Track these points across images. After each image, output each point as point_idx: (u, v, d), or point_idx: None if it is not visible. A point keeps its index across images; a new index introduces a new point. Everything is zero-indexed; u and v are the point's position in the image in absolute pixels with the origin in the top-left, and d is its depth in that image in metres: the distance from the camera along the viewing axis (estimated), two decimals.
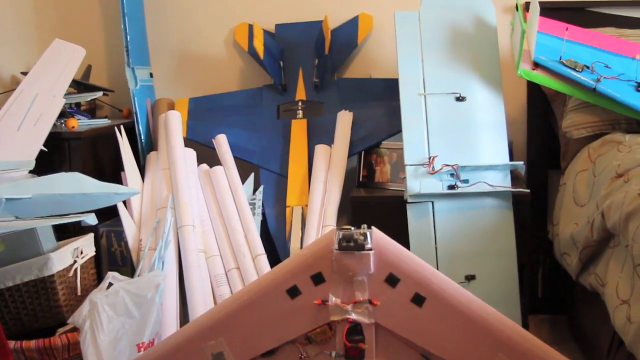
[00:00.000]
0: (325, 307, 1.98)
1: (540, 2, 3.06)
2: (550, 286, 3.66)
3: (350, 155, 3.47)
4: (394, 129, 3.39)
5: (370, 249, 1.93)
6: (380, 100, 3.59)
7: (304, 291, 1.98)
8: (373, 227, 1.97)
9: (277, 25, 3.88)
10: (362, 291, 1.96)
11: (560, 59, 3.04)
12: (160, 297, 2.80)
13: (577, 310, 3.26)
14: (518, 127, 3.69)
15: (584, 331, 3.10)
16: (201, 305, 2.98)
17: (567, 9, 3.55)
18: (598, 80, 2.97)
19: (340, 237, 1.94)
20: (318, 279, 1.97)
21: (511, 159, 3.21)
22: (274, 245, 3.32)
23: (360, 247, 1.93)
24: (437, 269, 2.74)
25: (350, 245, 1.93)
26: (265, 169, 3.54)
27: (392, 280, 1.95)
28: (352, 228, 1.96)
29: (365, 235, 1.94)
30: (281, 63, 3.80)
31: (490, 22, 3.27)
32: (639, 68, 3.10)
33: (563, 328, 3.48)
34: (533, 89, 3.57)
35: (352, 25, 3.80)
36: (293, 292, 1.99)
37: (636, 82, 3.02)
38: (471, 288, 2.92)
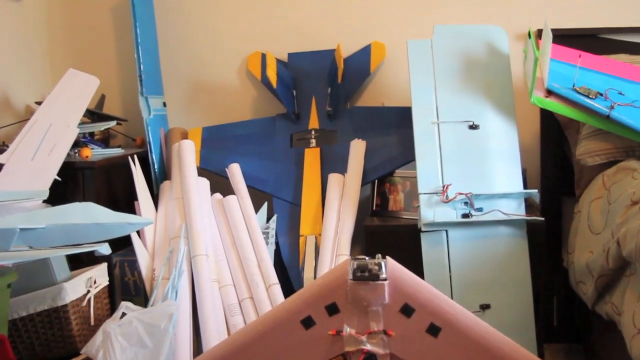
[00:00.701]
0: (340, 338, 1.97)
1: (552, 30, 3.05)
2: (565, 315, 3.64)
3: (363, 183, 3.47)
4: (408, 157, 3.39)
5: (385, 279, 1.92)
6: (394, 129, 3.59)
7: (319, 321, 1.97)
8: (387, 257, 1.96)
9: (289, 55, 3.90)
10: (377, 321, 1.95)
11: (573, 86, 3.03)
12: (174, 327, 2.79)
13: (593, 339, 3.24)
14: (532, 155, 3.68)
15: None
16: (215, 335, 2.97)
17: (579, 36, 3.55)
18: (612, 107, 2.96)
19: (355, 267, 1.93)
20: (332, 309, 1.97)
21: (525, 187, 3.21)
22: (288, 274, 3.31)
23: (375, 277, 1.92)
24: (452, 298, 2.74)
25: (365, 275, 1.93)
26: (279, 198, 3.54)
27: (407, 311, 1.94)
28: (367, 258, 1.95)
29: (379, 265, 1.93)
30: (294, 92, 3.81)
31: (503, 50, 3.27)
32: None
33: (579, 357, 3.45)
34: (546, 116, 3.56)
35: (364, 53, 3.81)
36: (307, 322, 1.98)
37: None
38: (486, 317, 2.90)
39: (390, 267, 1.94)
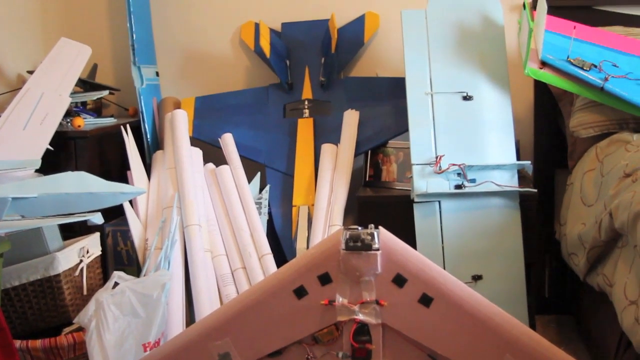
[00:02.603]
0: (332, 308, 1.97)
1: (547, 1, 3.04)
2: (557, 286, 3.65)
3: (356, 154, 3.47)
4: (401, 128, 3.39)
5: (378, 249, 1.92)
6: (387, 99, 3.59)
7: (311, 291, 1.98)
8: (380, 227, 1.96)
9: (283, 24, 3.88)
10: (370, 291, 1.95)
11: (567, 57, 3.03)
12: (167, 297, 2.79)
13: (584, 311, 3.25)
14: (525, 127, 3.68)
15: (591, 332, 3.09)
16: (207, 305, 2.98)
17: (574, 7, 3.53)
18: (606, 79, 2.96)
19: (348, 237, 1.93)
20: (325, 279, 1.97)
21: (518, 158, 3.20)
22: (280, 244, 3.32)
23: (368, 247, 1.92)
24: (444, 269, 2.74)
25: (358, 245, 1.92)
26: (272, 168, 3.54)
27: (399, 281, 1.94)
28: (359, 228, 1.95)
29: (372, 235, 1.93)
30: (287, 62, 3.79)
31: (498, 21, 3.26)
32: None
33: (570, 328, 3.47)
34: (540, 88, 3.56)
35: (358, 23, 3.79)
36: (300, 292, 1.98)
37: None
38: (478, 288, 2.91)
39: (383, 237, 1.94)
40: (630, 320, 2.23)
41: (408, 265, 1.95)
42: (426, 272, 1.96)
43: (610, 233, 2.51)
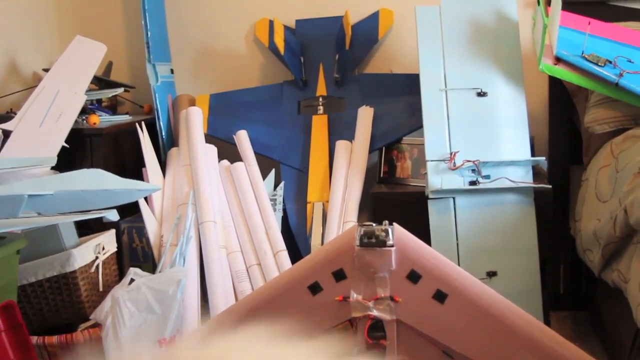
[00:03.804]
0: (347, 304, 1.98)
1: None
2: (572, 282, 3.64)
3: (371, 151, 3.47)
4: (415, 124, 3.39)
5: (392, 246, 1.93)
6: (401, 96, 3.58)
7: (326, 287, 1.98)
8: (394, 224, 1.97)
9: (297, 21, 3.88)
10: (384, 287, 1.96)
11: (582, 53, 3.02)
12: (182, 293, 2.80)
13: (599, 307, 3.24)
14: (540, 123, 3.67)
15: (606, 327, 3.08)
16: (222, 302, 2.99)
17: (589, 2, 3.52)
18: (621, 75, 2.95)
19: (362, 233, 1.94)
20: (339, 275, 1.97)
21: (533, 154, 3.20)
22: (295, 241, 3.32)
23: (382, 243, 1.93)
24: (459, 265, 2.75)
25: (372, 242, 1.93)
26: (286, 164, 3.54)
27: (413, 277, 1.95)
28: (374, 224, 1.95)
29: (386, 231, 1.93)
30: (302, 59, 3.80)
31: (512, 17, 3.25)
32: None
33: (585, 324, 3.46)
34: (555, 84, 3.54)
35: (372, 20, 3.79)
36: (314, 288, 1.99)
37: None
38: (492, 284, 2.91)
39: (397, 233, 1.95)
40: None
41: (422, 261, 1.95)
42: (440, 268, 1.96)
43: (625, 229, 2.50)
